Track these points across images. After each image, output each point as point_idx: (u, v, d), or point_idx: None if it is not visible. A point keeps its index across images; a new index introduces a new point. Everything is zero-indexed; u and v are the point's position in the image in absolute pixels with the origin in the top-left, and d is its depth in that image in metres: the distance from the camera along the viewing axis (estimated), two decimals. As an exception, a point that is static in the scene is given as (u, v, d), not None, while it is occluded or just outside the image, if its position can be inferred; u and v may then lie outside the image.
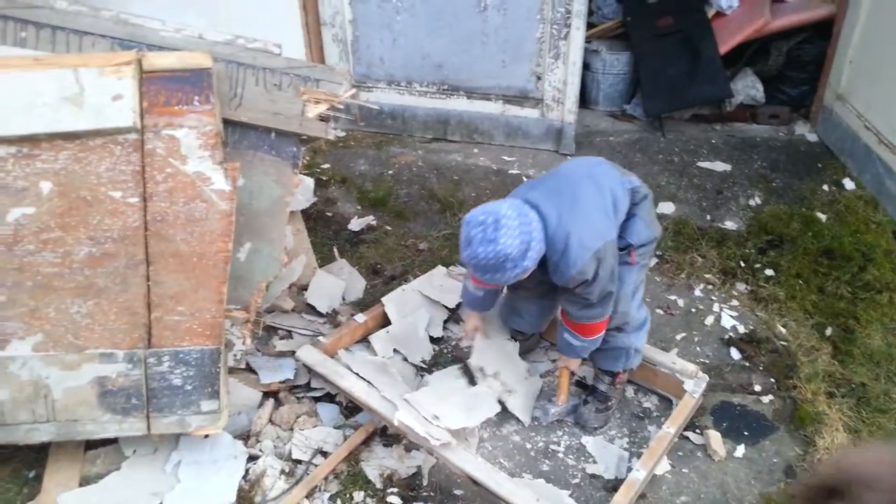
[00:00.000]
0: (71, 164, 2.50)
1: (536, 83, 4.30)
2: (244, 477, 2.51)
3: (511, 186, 4.19)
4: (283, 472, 2.56)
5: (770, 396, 2.91)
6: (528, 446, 2.71)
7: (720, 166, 4.35)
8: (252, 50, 2.90)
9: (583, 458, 2.66)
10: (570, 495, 2.48)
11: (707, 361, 3.10)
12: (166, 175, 2.55)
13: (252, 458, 2.58)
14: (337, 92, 3.02)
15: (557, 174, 2.51)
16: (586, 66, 4.88)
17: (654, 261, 3.68)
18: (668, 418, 2.66)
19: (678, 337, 3.23)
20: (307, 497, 2.49)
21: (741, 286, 3.53)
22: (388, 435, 2.73)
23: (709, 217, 3.99)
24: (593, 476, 2.58)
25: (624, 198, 2.46)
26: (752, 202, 4.09)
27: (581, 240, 2.25)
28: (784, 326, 3.27)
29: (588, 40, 5.03)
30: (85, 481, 2.45)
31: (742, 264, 3.65)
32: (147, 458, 2.51)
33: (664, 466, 2.59)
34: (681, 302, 3.44)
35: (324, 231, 3.93)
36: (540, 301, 2.85)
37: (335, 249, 3.80)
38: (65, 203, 2.49)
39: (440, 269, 3.47)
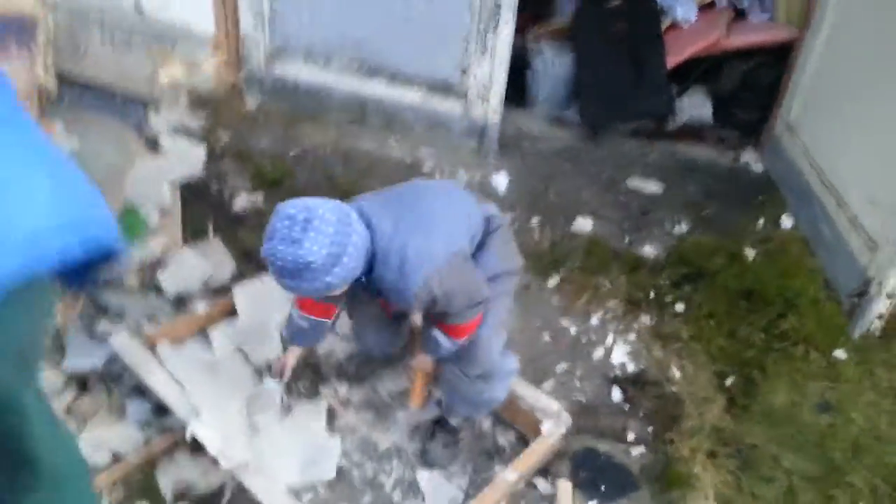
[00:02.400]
0: None
1: (461, 76, 4.05)
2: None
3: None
4: (62, 472, 2.28)
5: (642, 448, 2.69)
6: (355, 473, 2.49)
7: (651, 186, 4.12)
8: (102, 3, 2.64)
9: (411, 495, 2.44)
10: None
11: (583, 400, 2.88)
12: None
13: (28, 454, 2.31)
14: (196, 58, 2.76)
15: (400, 187, 2.30)
16: (528, 65, 4.64)
17: (553, 281, 3.44)
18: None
19: (559, 368, 3.01)
20: (85, 503, 2.23)
21: (645, 319, 3.30)
22: (198, 445, 2.46)
23: (627, 240, 3.77)
24: (416, 519, 2.34)
25: (478, 222, 2.24)
26: (677, 229, 3.87)
27: (419, 252, 1.99)
28: (680, 370, 3.05)
29: (537, 39, 4.81)
30: None
31: (651, 295, 3.43)
32: None
33: (499, 518, 2.34)
34: (573, 329, 3.21)
35: (204, 207, 3.66)
36: (387, 329, 2.64)
37: (210, 227, 3.52)
38: None
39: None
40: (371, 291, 2.14)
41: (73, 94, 2.65)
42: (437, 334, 2.28)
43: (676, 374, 3.02)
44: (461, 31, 3.93)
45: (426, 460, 2.54)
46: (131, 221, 3.19)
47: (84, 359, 2.63)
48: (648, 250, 3.70)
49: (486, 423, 2.70)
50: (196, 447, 2.42)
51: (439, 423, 2.60)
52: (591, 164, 4.24)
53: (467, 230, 2.17)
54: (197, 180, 3.80)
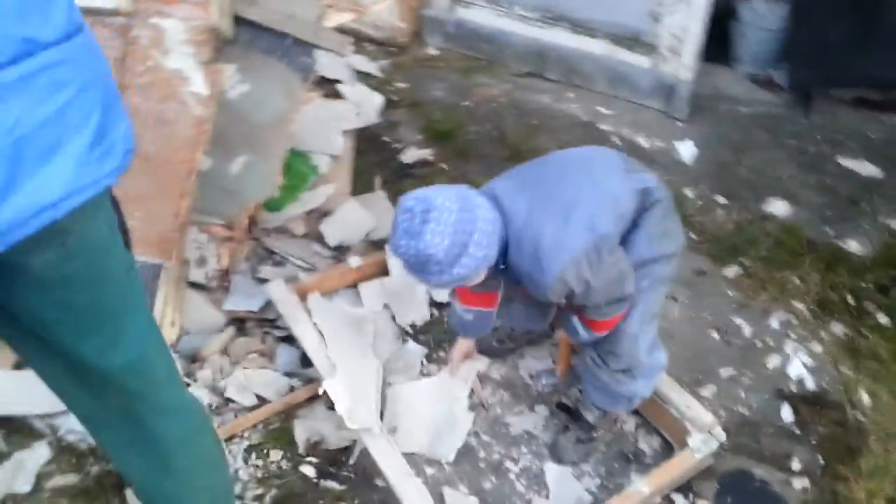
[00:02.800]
0: (55, 40, 2.41)
1: (652, 24, 3.69)
2: (168, 404, 2.42)
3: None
4: (210, 406, 2.45)
5: (806, 481, 2.37)
6: (482, 454, 2.41)
7: (868, 169, 3.56)
8: (276, -61, 2.63)
9: (535, 488, 2.32)
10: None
11: (747, 414, 2.58)
12: (146, 68, 2.41)
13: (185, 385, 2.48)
14: (362, 1, 2.69)
15: (540, 162, 2.09)
16: (732, 15, 4.13)
17: (732, 271, 3.09)
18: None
19: (724, 372, 2.72)
20: (226, 440, 2.37)
21: (836, 328, 2.89)
22: (335, 400, 2.52)
23: (829, 230, 3.30)
24: (538, 514, 2.24)
25: (627, 200, 1.97)
26: (894, 224, 3.30)
27: (555, 240, 1.82)
28: (870, 396, 2.65)
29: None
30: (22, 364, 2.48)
31: (849, 300, 2.99)
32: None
33: (627, 529, 2.18)
34: (746, 330, 2.88)
35: (374, 157, 3.69)
36: (535, 307, 2.47)
37: (377, 179, 3.53)
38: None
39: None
40: (510, 279, 2.01)
41: (246, 36, 2.69)
42: (576, 323, 2.13)
43: (865, 399, 2.62)
44: (657, -27, 3.56)
45: (556, 454, 2.41)
46: (300, 167, 3.27)
47: (244, 301, 2.76)
48: (853, 246, 3.23)
49: (629, 424, 2.51)
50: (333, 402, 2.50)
51: (575, 416, 2.45)
52: (796, 137, 3.73)
53: (612, 212, 1.92)
54: (370, 129, 3.83)
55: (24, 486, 2.16)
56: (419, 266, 1.76)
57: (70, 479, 2.20)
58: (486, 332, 2.52)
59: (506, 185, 1.94)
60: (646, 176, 2.06)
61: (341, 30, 2.72)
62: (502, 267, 1.92)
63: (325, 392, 2.35)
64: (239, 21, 2.67)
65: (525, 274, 1.88)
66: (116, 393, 1.43)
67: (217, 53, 2.66)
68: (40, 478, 2.19)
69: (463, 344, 2.56)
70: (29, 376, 2.42)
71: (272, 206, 3.08)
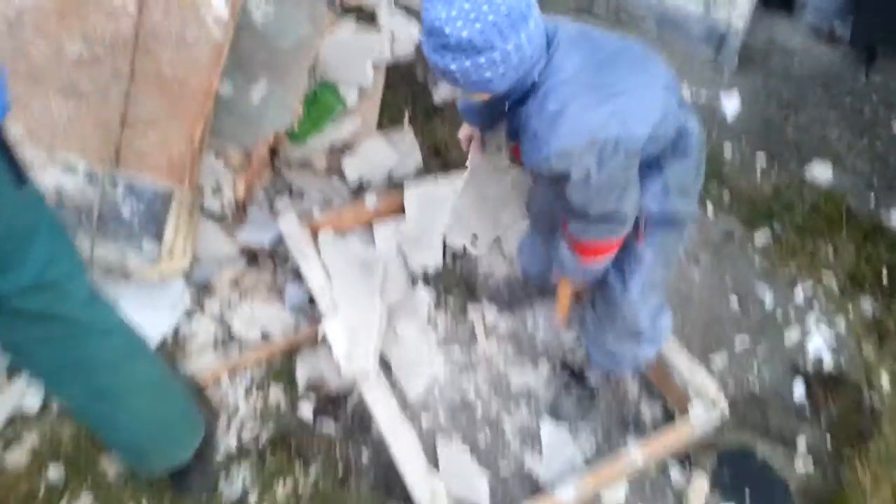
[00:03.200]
0: (79, -46, 2.36)
1: (710, -32, 3.45)
2: (175, 333, 2.46)
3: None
4: (216, 339, 2.48)
5: (811, 463, 2.33)
6: (479, 407, 2.42)
7: (926, 138, 3.34)
8: None
9: (529, 446, 2.33)
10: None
11: (757, 387, 2.54)
12: (169, -14, 2.33)
13: (192, 316, 2.52)
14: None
15: (608, 35, 1.81)
16: (803, -40, 3.85)
17: (763, 236, 2.98)
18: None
19: (738, 341, 2.66)
20: (228, 373, 2.41)
21: (865, 304, 2.79)
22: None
23: (873, 200, 3.15)
24: (527, 472, 2.25)
25: (668, 124, 1.76)
26: (945, 199, 3.14)
27: (584, 114, 1.62)
28: (892, 378, 2.56)
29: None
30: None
31: (883, 277, 2.86)
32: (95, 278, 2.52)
33: (616, 496, 2.19)
34: (768, 298, 2.80)
35: (404, 92, 3.58)
36: (542, 236, 2.37)
37: (406, 115, 3.44)
38: (67, -8, 2.37)
39: (493, 172, 3.04)
40: (509, 128, 1.87)
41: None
42: (563, 248, 1.99)
43: (885, 383, 2.54)
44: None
45: (555, 411, 2.41)
46: (328, 98, 3.19)
47: (257, 234, 2.76)
48: (896, 219, 3.08)
49: (633, 388, 2.48)
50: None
51: (578, 377, 2.43)
52: (852, 96, 3.52)
53: (650, 121, 1.70)
54: (404, 62, 3.71)
55: (32, 404, 2.24)
56: (431, 35, 1.55)
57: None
58: (480, 124, 2.30)
59: (569, 32, 1.71)
60: (691, 117, 1.88)
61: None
62: (508, 105, 1.76)
63: (322, 334, 2.36)
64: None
65: (532, 130, 1.69)
66: (30, 317, 1.47)
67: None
68: (49, 397, 2.25)
69: (465, 127, 2.42)
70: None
71: (295, 136, 3.03)
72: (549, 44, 1.67)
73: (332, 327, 2.31)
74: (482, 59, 1.54)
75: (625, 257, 1.99)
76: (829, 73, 3.59)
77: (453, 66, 1.56)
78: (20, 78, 2.45)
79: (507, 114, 1.81)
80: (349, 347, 2.27)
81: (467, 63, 1.54)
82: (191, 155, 2.40)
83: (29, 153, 2.41)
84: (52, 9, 2.42)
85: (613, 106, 1.64)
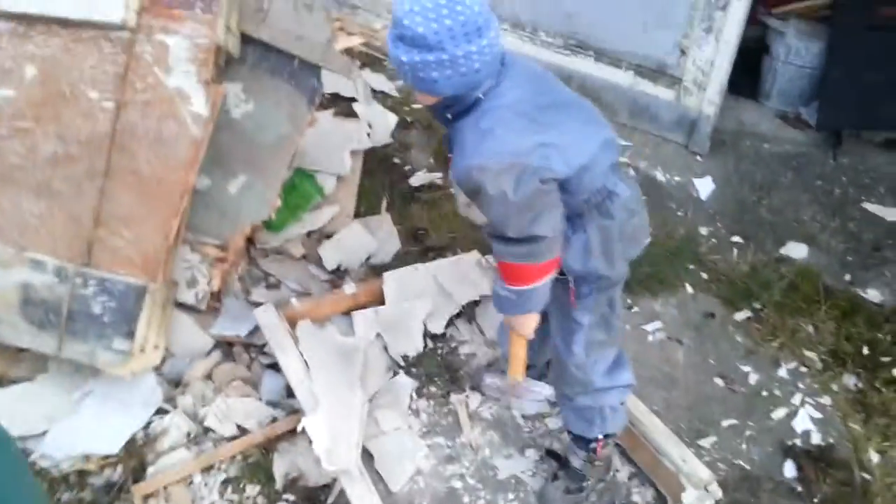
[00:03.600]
0: (59, 53, 2.44)
1: (679, 58, 3.62)
2: (145, 429, 2.40)
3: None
4: (188, 435, 2.42)
5: (806, 543, 2.26)
6: (466, 500, 2.34)
7: (894, 214, 3.42)
8: (289, -42, 2.62)
9: (519, 537, 2.24)
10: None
11: (748, 468, 2.50)
12: (146, 84, 2.41)
13: (164, 412, 2.46)
14: (374, 25, 2.68)
15: (556, 80, 1.95)
16: (765, 50, 4.07)
17: (743, 315, 3.00)
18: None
19: (725, 423, 2.63)
20: (201, 472, 2.34)
21: (848, 381, 2.79)
22: (319, 432, 2.47)
23: (847, 277, 3.20)
24: (517, 565, 2.17)
25: (592, 177, 1.82)
26: (918, 273, 3.19)
27: (513, 137, 1.70)
28: (881, 455, 2.54)
29: (781, 16, 4.16)
30: (2, 381, 2.48)
31: (864, 352, 2.88)
32: (63, 378, 2.49)
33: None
34: (753, 378, 2.80)
35: (382, 178, 3.65)
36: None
37: (384, 201, 3.50)
38: (43, 93, 2.44)
39: (473, 255, 3.07)
40: (448, 139, 1.90)
41: (253, 55, 2.68)
42: (494, 278, 1.99)
43: (874, 459, 2.51)
44: (685, 4, 3.49)
45: (544, 501, 2.34)
46: (305, 187, 3.25)
47: (233, 325, 2.73)
48: (873, 294, 3.12)
49: (622, 473, 2.43)
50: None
51: (564, 464, 2.38)
52: (822, 178, 3.63)
53: (575, 168, 1.77)
54: (381, 149, 3.80)
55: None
56: (393, 25, 1.63)
57: None
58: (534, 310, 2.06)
59: (528, 69, 1.83)
60: (624, 183, 1.92)
61: (353, 51, 2.70)
62: (449, 116, 1.80)
63: (300, 428, 2.31)
64: (247, 40, 2.66)
65: (461, 143, 1.75)
66: None
67: (221, 72, 2.67)
68: (8, 500, 2.17)
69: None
70: (5, 395, 2.44)
71: (272, 225, 3.06)
72: (502, 70, 1.76)
73: (312, 424, 2.25)
74: (431, 57, 1.63)
75: (564, 321, 2.04)
76: (798, 155, 3.71)
77: (404, 58, 1.65)
78: (-10, 177, 2.49)
79: (448, 124, 1.86)
80: (330, 444, 2.21)
81: (417, 58, 1.64)
82: (166, 251, 2.40)
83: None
84: (28, 108, 2.46)
85: (541, 138, 1.72)
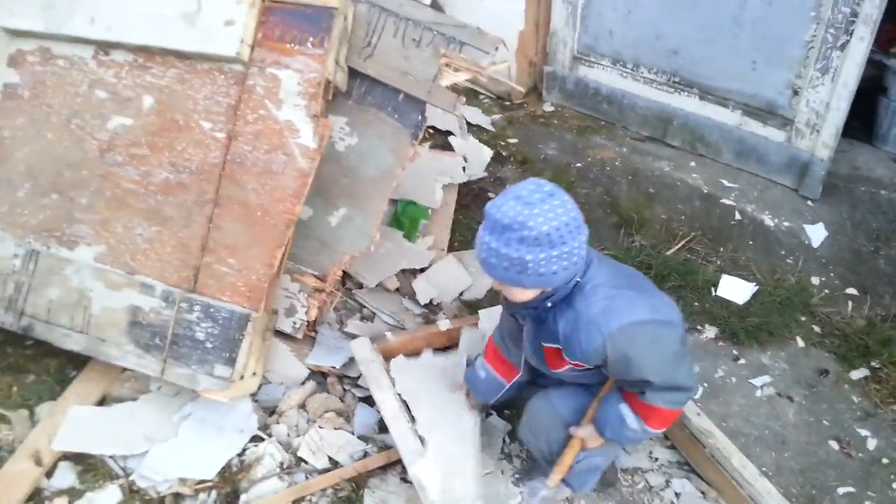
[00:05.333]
0: (175, 84, 2.55)
1: (791, 98, 3.47)
2: (240, 455, 2.43)
3: (718, 219, 3.52)
4: (282, 465, 2.44)
5: None
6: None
7: None
8: (401, -4, 2.66)
9: None
10: None
11: (866, 542, 2.31)
12: (257, 116, 2.48)
13: (259, 439, 2.48)
14: (481, 62, 2.67)
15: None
16: (883, 91, 3.86)
17: (860, 374, 2.83)
18: None
19: (841, 490, 2.46)
20: (293, 503, 2.34)
21: (981, 452, 2.56)
22: (410, 470, 2.45)
23: (978, 338, 2.95)
24: None
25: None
26: None
27: (623, 306, 1.90)
28: None
29: (899, 56, 3.97)
30: (106, 400, 2.56)
31: None
32: (164, 400, 2.56)
33: None
34: (871, 443, 2.61)
35: (476, 212, 3.64)
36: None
37: (478, 236, 3.47)
38: (159, 122, 2.55)
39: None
40: (543, 329, 2.04)
41: (359, 89, 2.73)
42: (626, 411, 2.06)
43: None
44: (800, 44, 3.37)
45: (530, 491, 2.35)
46: (412, 211, 3.29)
47: (327, 356, 2.76)
48: None
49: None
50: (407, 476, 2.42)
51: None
52: (947, 229, 3.40)
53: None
54: (476, 183, 3.81)
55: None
56: (506, 230, 1.76)
57: (136, 525, 2.24)
58: (487, 401, 2.50)
59: (599, 257, 2.02)
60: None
61: (455, 87, 2.71)
62: (547, 306, 1.95)
63: (411, 476, 2.26)
64: (354, 74, 2.72)
65: (574, 327, 1.90)
66: None
67: (328, 106, 2.72)
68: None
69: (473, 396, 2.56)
70: (109, 414, 2.52)
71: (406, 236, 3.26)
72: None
73: (423, 471, 2.21)
74: (555, 253, 1.78)
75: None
76: (919, 203, 3.50)
77: (529, 257, 1.78)
78: (106, 201, 2.59)
79: (545, 311, 1.99)
80: (444, 485, 2.17)
81: (542, 255, 1.78)
82: (269, 280, 2.45)
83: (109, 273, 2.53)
84: (144, 136, 2.59)
85: (643, 302, 1.93)
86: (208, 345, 2.41)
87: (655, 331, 1.91)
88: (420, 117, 2.74)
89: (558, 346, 2.00)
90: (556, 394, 2.24)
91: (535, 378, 2.37)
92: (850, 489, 2.46)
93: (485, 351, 2.46)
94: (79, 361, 2.65)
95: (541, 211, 1.75)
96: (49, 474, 2.33)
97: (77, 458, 2.37)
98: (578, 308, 1.90)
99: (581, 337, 1.90)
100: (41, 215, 2.59)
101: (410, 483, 2.33)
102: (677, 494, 2.42)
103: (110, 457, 2.37)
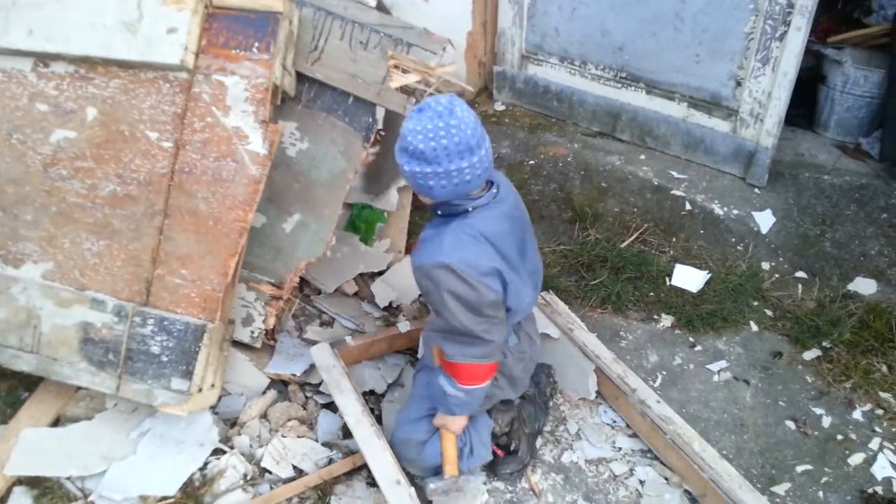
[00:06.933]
0: (119, 95, 2.50)
1: (734, 89, 3.56)
2: (202, 469, 2.39)
3: (670, 210, 3.58)
4: (245, 476, 2.40)
5: None
6: (529, 547, 2.26)
7: (968, 248, 3.30)
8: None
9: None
10: None
11: (825, 517, 2.37)
12: (205, 124, 2.45)
13: (220, 452, 2.44)
14: (429, 63, 2.68)
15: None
16: (822, 80, 3.98)
17: (812, 354, 2.90)
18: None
19: (799, 468, 2.52)
20: (258, 515, 2.31)
21: (930, 424, 2.65)
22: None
23: (922, 314, 3.05)
24: None
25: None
26: None
27: (469, 245, 2.00)
28: (969, 503, 2.39)
29: (838, 46, 4.09)
30: (60, 420, 2.49)
31: (945, 393, 2.74)
32: (121, 417, 2.50)
33: None
34: (826, 420, 2.68)
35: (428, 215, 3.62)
36: None
37: (434, 237, 3.48)
38: (104, 134, 2.50)
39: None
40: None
41: (308, 93, 2.71)
42: (443, 380, 2.20)
43: (963, 509, 2.38)
44: (740, 35, 3.45)
45: (495, 472, 2.48)
46: (369, 216, 3.28)
47: (287, 364, 2.73)
48: (951, 332, 2.98)
49: (690, 518, 2.34)
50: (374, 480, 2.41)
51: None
52: (887, 210, 3.50)
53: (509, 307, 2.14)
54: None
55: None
56: (443, 141, 1.84)
57: (97, 546, 2.18)
58: (475, 410, 2.39)
59: (506, 200, 2.14)
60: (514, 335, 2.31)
61: (408, 89, 2.71)
62: (439, 213, 2.09)
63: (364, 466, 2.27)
64: (302, 78, 2.70)
65: (437, 238, 2.01)
66: None
67: (277, 111, 2.70)
68: None
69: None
70: (65, 435, 2.45)
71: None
72: (494, 193, 2.10)
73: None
74: (428, 169, 1.91)
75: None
76: (860, 187, 3.60)
77: (406, 167, 1.94)
78: (51, 216, 2.52)
79: (434, 219, 2.14)
80: None
81: (417, 168, 1.92)
82: (224, 289, 2.42)
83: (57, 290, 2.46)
84: (88, 148, 2.53)
85: (500, 266, 2.04)
86: (164, 358, 2.36)
87: (475, 287, 1.97)
88: (371, 120, 2.74)
89: None
90: (403, 419, 2.40)
91: None
92: (808, 466, 2.52)
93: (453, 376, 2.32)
94: (30, 382, 2.58)
95: (423, 129, 1.86)
96: (3, 500, 2.26)
97: (32, 482, 2.30)
98: (446, 229, 2.02)
99: (425, 250, 2.03)
100: (-16, 234, 2.52)
101: (377, 487, 2.32)
102: (641, 482, 2.45)
103: (67, 478, 2.30)
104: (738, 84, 3.54)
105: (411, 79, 2.68)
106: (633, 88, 3.93)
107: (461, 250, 1.97)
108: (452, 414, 2.24)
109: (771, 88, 3.43)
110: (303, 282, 3.10)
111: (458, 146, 1.87)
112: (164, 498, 2.31)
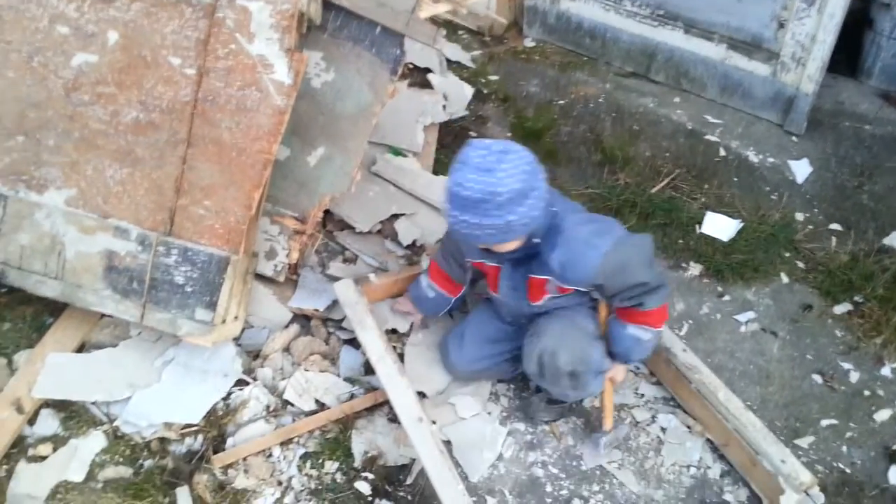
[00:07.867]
0: (140, 18, 2.42)
1: (776, 31, 3.41)
2: (225, 399, 2.40)
3: (703, 156, 3.49)
4: (268, 408, 2.42)
5: (915, 554, 2.13)
6: (549, 489, 2.28)
7: None
8: (378, -79, 2.53)
9: (603, 532, 2.17)
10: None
11: (848, 471, 2.37)
12: (228, 51, 2.37)
13: (244, 383, 2.45)
14: (463, -8, 2.58)
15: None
16: (869, 24, 3.80)
17: (843, 308, 2.85)
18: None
19: (824, 422, 2.50)
20: (280, 445, 2.33)
21: (961, 382, 2.60)
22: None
23: (958, 271, 2.97)
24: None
25: None
26: None
27: (597, 230, 2.07)
28: None
29: (888, -13, 3.90)
30: (85, 346, 2.51)
31: (978, 352, 2.68)
32: (145, 346, 2.51)
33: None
34: (854, 375, 2.64)
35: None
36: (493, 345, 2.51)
37: (459, 176, 3.41)
38: (125, 58, 2.42)
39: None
40: (530, 265, 2.13)
41: (334, 22, 2.62)
42: (634, 330, 2.24)
43: None
44: (785, -26, 3.29)
45: (529, 415, 2.48)
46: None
47: (310, 299, 2.71)
48: None
49: (714, 470, 2.32)
50: (394, 416, 2.41)
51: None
52: (930, 162, 3.39)
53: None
54: (457, 122, 3.72)
55: (76, 474, 2.18)
56: (479, 203, 1.79)
57: (122, 471, 2.21)
58: (435, 315, 2.68)
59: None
60: None
61: (434, 20, 2.61)
62: (536, 241, 2.04)
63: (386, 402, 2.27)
64: (328, 6, 2.60)
65: (570, 253, 2.01)
66: None
67: (303, 40, 2.61)
68: (93, 467, 2.20)
69: (416, 312, 2.69)
70: (89, 360, 2.47)
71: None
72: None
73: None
74: (531, 200, 1.84)
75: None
76: (904, 137, 3.48)
77: (512, 217, 1.84)
78: (74, 142, 2.49)
79: (528, 251, 2.07)
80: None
81: (521, 208, 1.83)
82: (248, 222, 2.38)
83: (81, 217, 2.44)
84: (110, 73, 2.46)
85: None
86: (188, 289, 2.35)
87: (634, 240, 2.10)
88: (399, 52, 2.65)
89: (546, 277, 2.11)
90: (567, 315, 2.32)
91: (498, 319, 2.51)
92: (833, 421, 2.50)
93: (429, 271, 2.59)
94: (55, 308, 2.58)
95: (503, 171, 1.78)
96: (31, 422, 2.30)
97: (59, 406, 2.33)
98: (568, 235, 2.01)
99: (578, 260, 2.01)
100: (7, 158, 2.48)
101: (397, 423, 2.33)
102: (663, 429, 2.44)
103: (93, 403, 2.33)
104: (781, 25, 3.39)
105: (441, 8, 2.60)
106: (669, 27, 3.78)
107: (604, 227, 2.06)
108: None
109: (815, 31, 3.28)
110: (326, 217, 3.06)
111: (531, 165, 1.85)
112: (189, 426, 2.33)
